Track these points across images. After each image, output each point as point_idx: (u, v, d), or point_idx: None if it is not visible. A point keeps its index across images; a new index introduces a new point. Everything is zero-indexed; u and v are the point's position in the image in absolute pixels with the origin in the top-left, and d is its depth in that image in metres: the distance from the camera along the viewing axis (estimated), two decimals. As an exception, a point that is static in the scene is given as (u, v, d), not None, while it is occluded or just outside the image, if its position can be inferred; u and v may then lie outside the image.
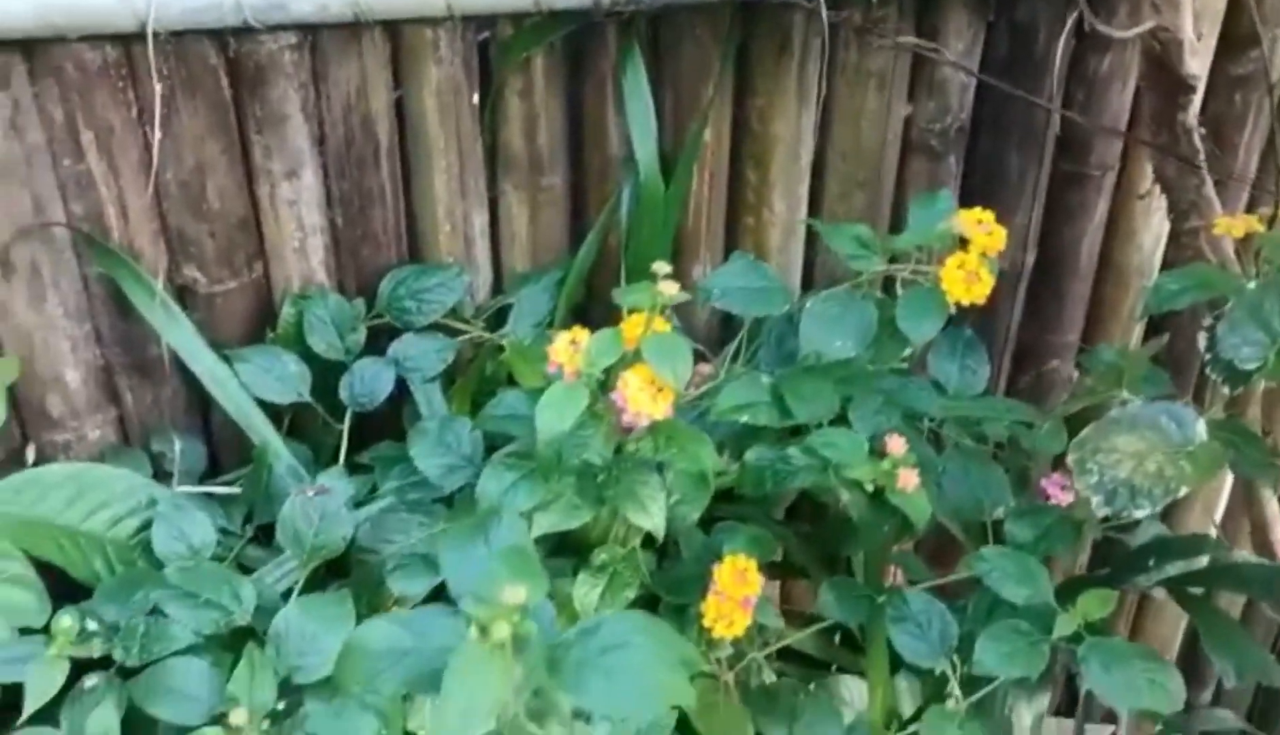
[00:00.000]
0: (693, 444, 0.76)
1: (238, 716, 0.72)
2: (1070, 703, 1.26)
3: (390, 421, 1.05)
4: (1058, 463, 1.07)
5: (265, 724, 0.73)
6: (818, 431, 0.84)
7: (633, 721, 0.68)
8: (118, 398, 1.04)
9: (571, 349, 0.75)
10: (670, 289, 0.73)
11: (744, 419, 0.83)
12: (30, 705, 0.76)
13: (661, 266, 0.74)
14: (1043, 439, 1.03)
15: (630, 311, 0.77)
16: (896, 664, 0.89)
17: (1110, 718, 1.23)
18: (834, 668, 1.00)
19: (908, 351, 1.00)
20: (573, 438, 0.75)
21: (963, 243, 0.77)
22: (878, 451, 0.82)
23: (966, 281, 0.75)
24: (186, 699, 0.76)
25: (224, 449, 1.08)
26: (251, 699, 0.73)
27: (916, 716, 0.85)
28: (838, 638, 1.03)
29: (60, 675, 0.78)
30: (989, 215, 0.77)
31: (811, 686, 0.91)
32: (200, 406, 1.07)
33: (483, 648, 0.48)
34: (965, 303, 0.75)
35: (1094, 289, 1.21)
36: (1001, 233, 0.76)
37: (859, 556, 1.01)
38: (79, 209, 0.95)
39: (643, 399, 0.73)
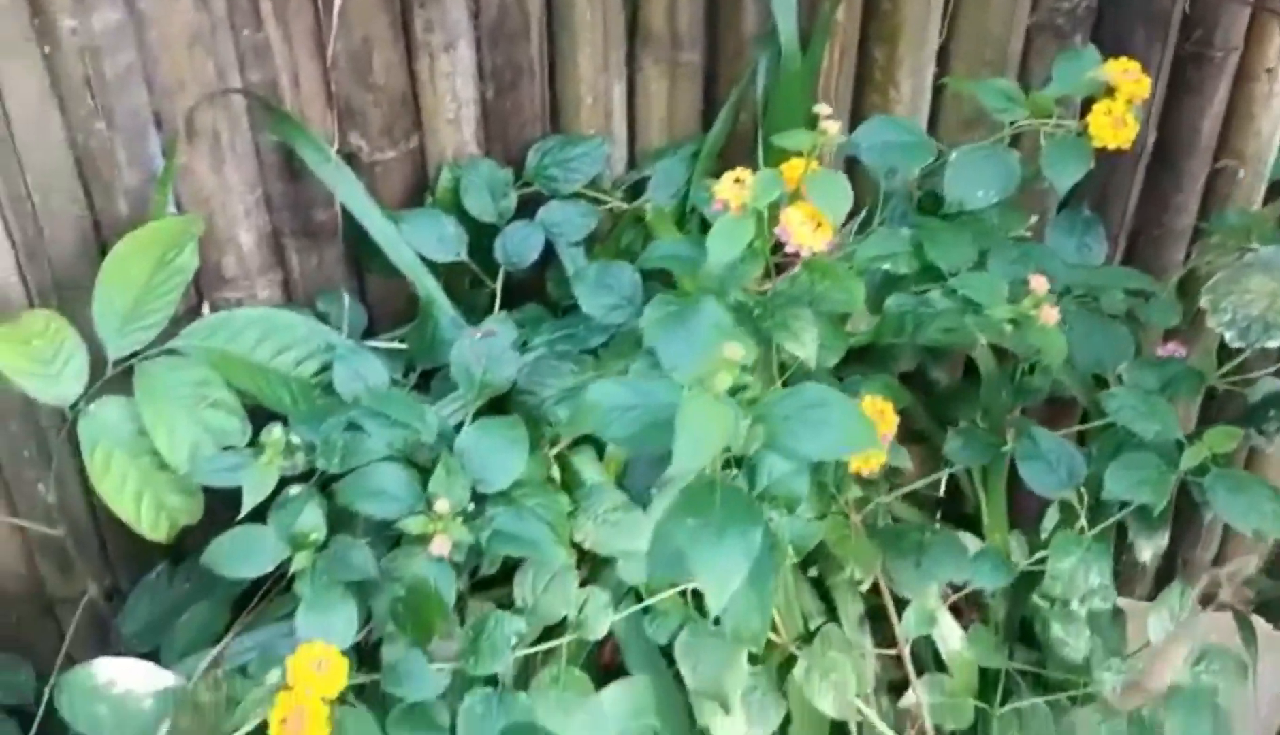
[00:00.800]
0: (845, 279, 0.84)
1: (441, 506, 0.81)
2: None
3: (535, 286, 1.14)
4: (1169, 337, 1.12)
5: (459, 520, 0.83)
6: (955, 278, 0.90)
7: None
8: (284, 261, 1.14)
9: (736, 187, 0.82)
10: (833, 128, 0.80)
11: (885, 267, 0.90)
12: (248, 503, 0.87)
13: (823, 108, 0.81)
14: (1158, 309, 1.09)
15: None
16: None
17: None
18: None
19: (1031, 220, 1.07)
20: (734, 271, 0.82)
21: (1108, 92, 0.82)
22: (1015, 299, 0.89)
23: (1113, 126, 0.80)
24: (389, 498, 0.85)
25: (378, 310, 1.17)
26: (449, 496, 0.82)
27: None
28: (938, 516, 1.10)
29: (272, 480, 0.88)
30: (1134, 64, 0.82)
31: (937, 525, 0.99)
32: (357, 270, 1.16)
33: (707, 394, 0.56)
34: (1112, 147, 0.81)
35: (1210, 175, 1.25)
36: (1146, 80, 0.82)
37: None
38: (255, 77, 1.04)
39: (804, 232, 0.80)
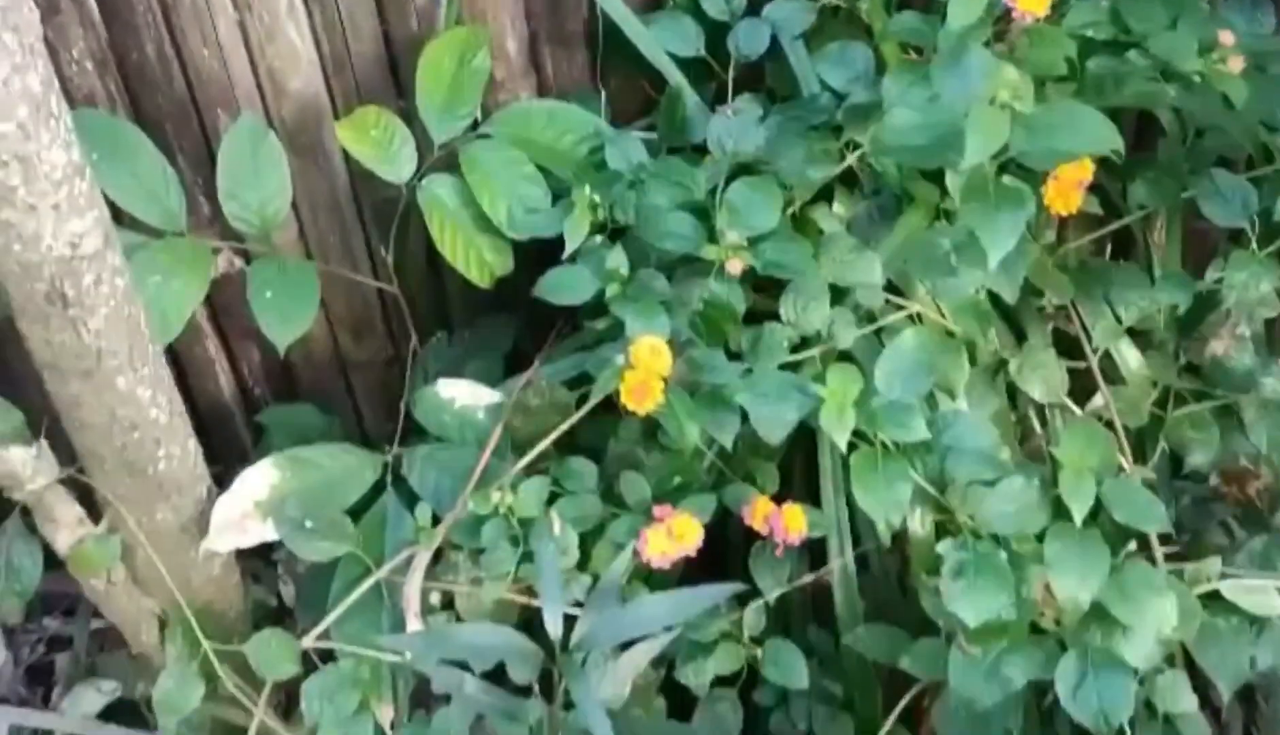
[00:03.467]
0: (1059, 41, 1.04)
1: (732, 237, 1.06)
2: None
3: (751, 79, 1.35)
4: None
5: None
6: (1150, 40, 1.09)
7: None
8: (540, 66, 1.37)
9: (968, -36, 1.02)
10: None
11: (1089, 33, 1.09)
12: (570, 246, 1.13)
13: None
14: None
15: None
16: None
17: None
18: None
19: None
20: (969, 33, 1.02)
21: None
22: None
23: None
24: (680, 237, 1.10)
25: (615, 107, 1.39)
26: (731, 228, 1.07)
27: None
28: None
29: (585, 228, 1.14)
30: None
31: (1123, 261, 1.20)
32: (599, 72, 1.39)
33: (989, 105, 0.78)
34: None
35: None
36: None
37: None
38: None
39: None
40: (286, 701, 1.23)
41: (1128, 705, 0.87)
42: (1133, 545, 0.94)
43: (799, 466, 1.24)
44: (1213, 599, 0.99)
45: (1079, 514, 0.88)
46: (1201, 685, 1.10)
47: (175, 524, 1.09)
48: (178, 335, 1.13)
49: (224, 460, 1.31)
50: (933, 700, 1.12)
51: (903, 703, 1.09)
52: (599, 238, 1.17)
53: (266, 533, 1.11)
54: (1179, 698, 0.93)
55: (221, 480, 1.15)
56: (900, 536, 1.14)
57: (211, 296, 1.27)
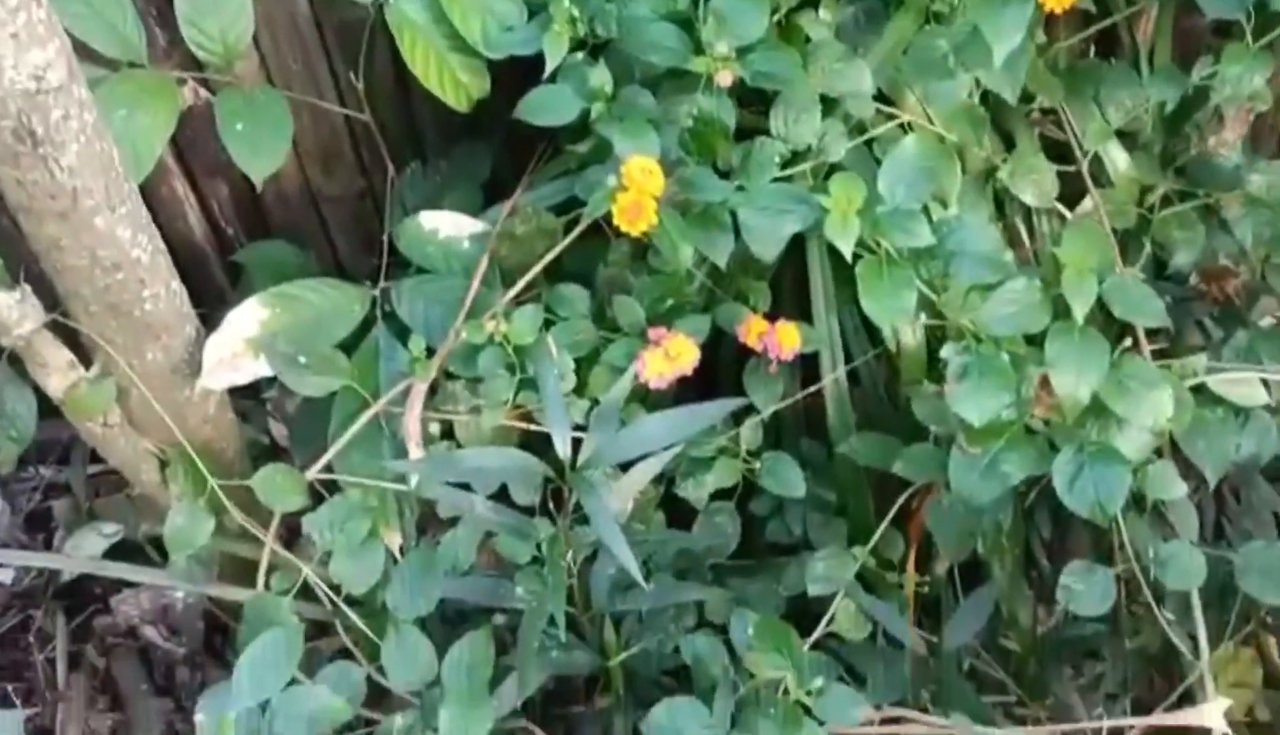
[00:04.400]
0: None
1: (721, 47, 1.04)
2: None
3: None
4: None
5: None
6: None
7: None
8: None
9: None
10: None
11: None
12: (550, 65, 1.09)
13: None
14: None
15: None
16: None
17: None
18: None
19: None
20: None
21: None
22: None
23: None
24: (666, 49, 1.07)
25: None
26: (718, 38, 1.04)
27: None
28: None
29: (564, 45, 1.10)
30: None
31: (1112, 60, 1.19)
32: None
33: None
34: None
35: None
36: None
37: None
38: None
39: None
40: (287, 535, 1.26)
41: (1122, 494, 0.91)
42: (1128, 342, 0.96)
43: (788, 285, 1.25)
44: (1199, 392, 1.02)
45: (1081, 311, 0.90)
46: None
47: (166, 365, 1.09)
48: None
49: (205, 303, 1.29)
50: (921, 503, 1.17)
51: (896, 505, 1.14)
52: (580, 54, 1.13)
53: (260, 369, 1.11)
54: (1169, 486, 0.98)
55: (206, 323, 1.14)
56: (890, 349, 1.16)
57: (176, 134, 1.23)
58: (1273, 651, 1.39)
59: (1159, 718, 0.88)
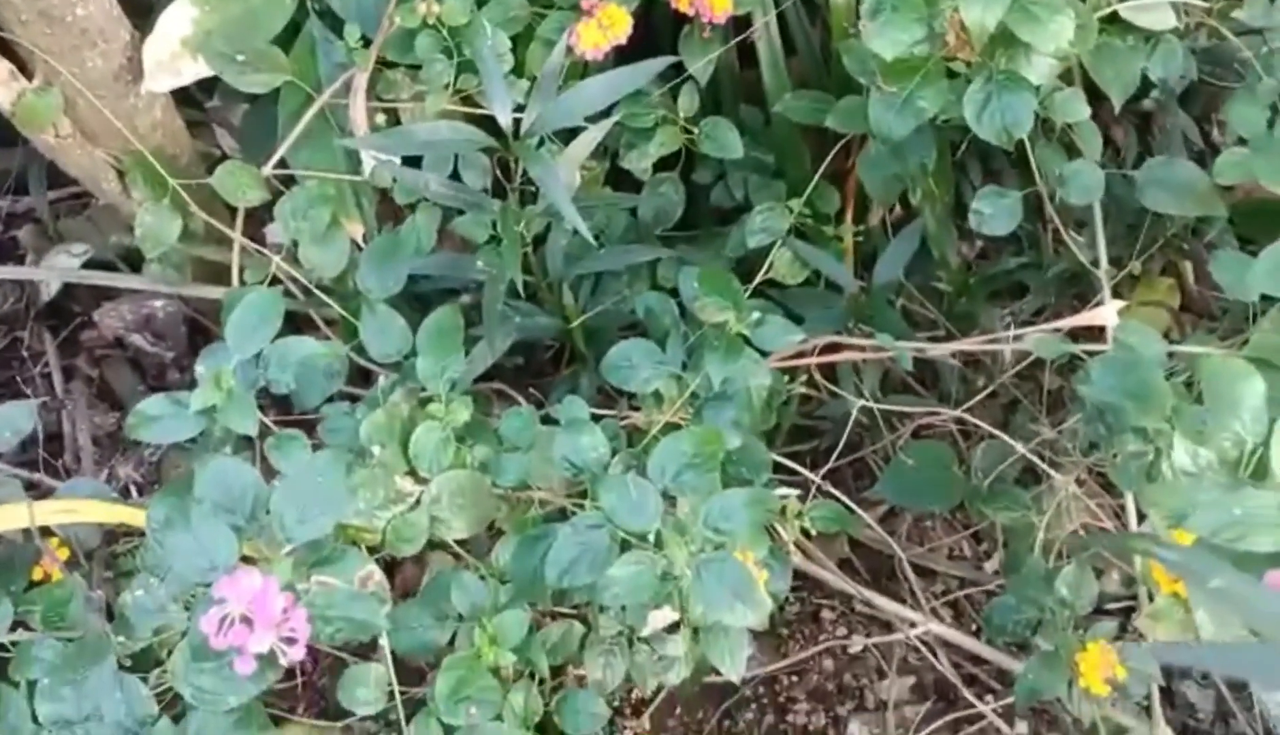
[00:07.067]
0: None
1: None
2: None
3: None
4: None
5: None
6: None
7: None
8: None
9: None
10: None
11: None
12: None
13: None
14: None
15: None
16: None
17: None
18: None
19: None
20: None
21: None
22: None
23: None
24: None
25: None
26: None
27: None
28: None
29: None
30: None
31: None
32: None
33: None
34: None
35: None
36: None
37: None
38: None
39: None
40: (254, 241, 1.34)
41: (1027, 119, 1.00)
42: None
43: (721, -52, 1.28)
44: (1113, 21, 1.09)
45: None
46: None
47: (107, 71, 1.13)
48: None
49: (137, 15, 1.31)
50: (855, 158, 1.26)
51: (828, 159, 1.23)
52: None
53: (200, 70, 1.15)
54: (1075, 109, 1.06)
55: (143, 32, 1.17)
56: (824, 7, 1.21)
57: None
58: (1189, 277, 1.54)
59: (1059, 322, 1.01)
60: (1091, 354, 0.95)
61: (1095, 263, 1.13)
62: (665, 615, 0.92)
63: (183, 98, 1.30)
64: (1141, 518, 1.04)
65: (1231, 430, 0.74)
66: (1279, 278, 0.87)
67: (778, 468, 1.18)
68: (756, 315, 1.05)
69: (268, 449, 0.94)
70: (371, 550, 0.88)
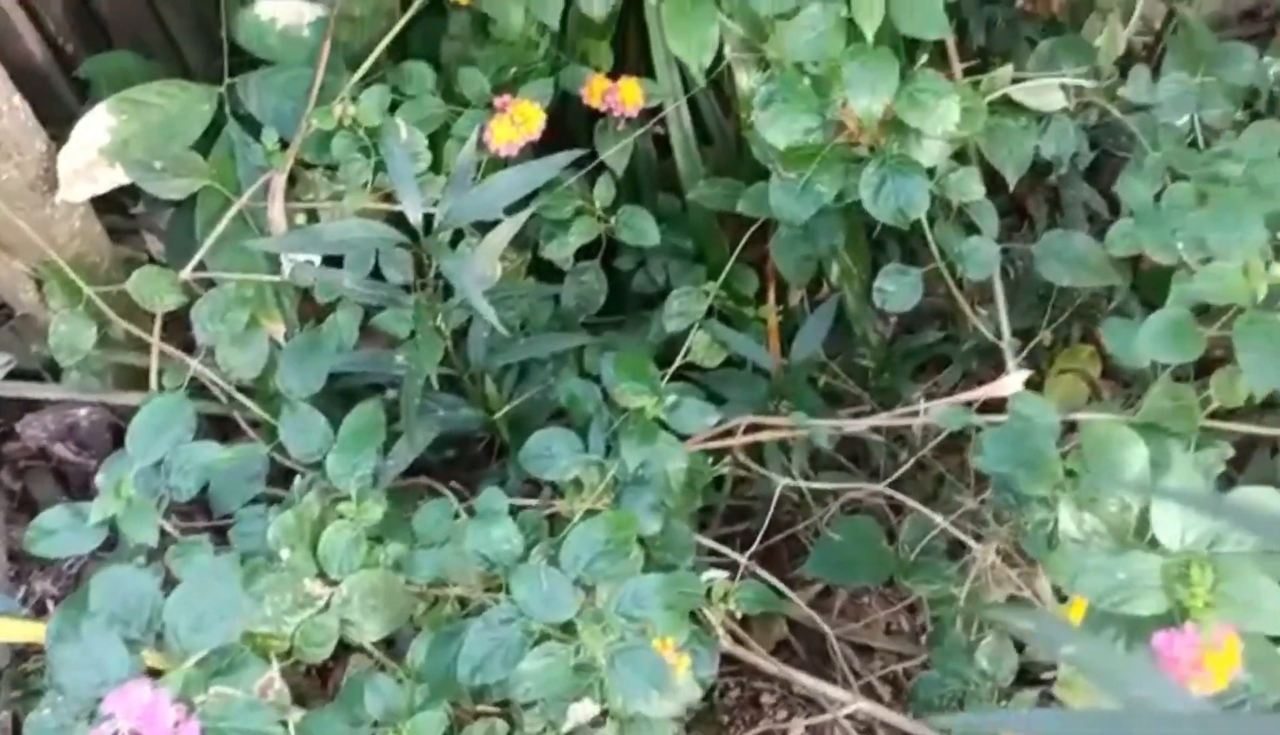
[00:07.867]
0: None
1: None
2: None
3: None
4: None
5: None
6: None
7: None
8: None
9: None
10: None
11: None
12: None
13: None
14: None
15: None
16: None
17: None
18: None
19: None
20: None
21: None
22: None
23: None
24: None
25: None
26: None
27: None
28: None
29: None
30: None
31: None
32: None
33: None
34: None
35: None
36: None
37: None
38: None
39: None
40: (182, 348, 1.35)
41: (922, 200, 1.03)
42: (925, 58, 1.06)
43: (633, 44, 1.33)
44: (1006, 103, 1.14)
45: (870, 30, 0.99)
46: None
47: (23, 182, 1.14)
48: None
49: (54, 124, 1.33)
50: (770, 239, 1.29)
51: (742, 243, 1.26)
52: None
53: (117, 178, 1.17)
54: (970, 188, 1.10)
55: (58, 143, 1.19)
56: (733, 96, 1.25)
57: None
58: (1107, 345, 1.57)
59: (966, 394, 1.03)
60: (996, 425, 0.98)
61: (1000, 334, 1.16)
62: (586, 708, 0.92)
63: (108, 205, 1.31)
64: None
65: (1116, 496, 0.76)
66: (1165, 343, 0.90)
67: (709, 550, 1.19)
68: (673, 398, 1.06)
69: (168, 558, 0.93)
70: (283, 656, 0.88)
